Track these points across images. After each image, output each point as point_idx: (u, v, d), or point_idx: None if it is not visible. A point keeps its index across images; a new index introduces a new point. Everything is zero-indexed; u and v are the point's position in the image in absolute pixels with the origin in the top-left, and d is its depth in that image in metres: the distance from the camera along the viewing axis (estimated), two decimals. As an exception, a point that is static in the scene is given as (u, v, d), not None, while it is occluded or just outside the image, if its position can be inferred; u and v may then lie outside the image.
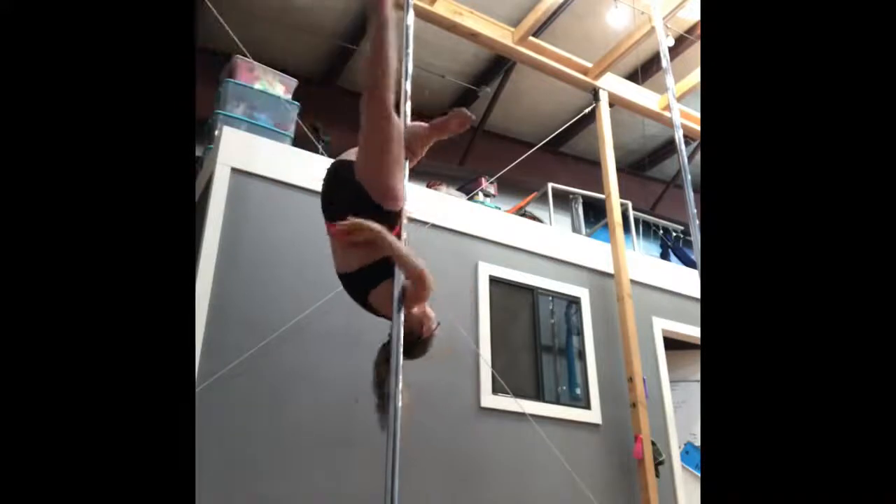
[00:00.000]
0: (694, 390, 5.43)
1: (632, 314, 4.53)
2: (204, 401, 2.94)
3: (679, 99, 5.00)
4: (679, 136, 3.47)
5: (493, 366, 4.00)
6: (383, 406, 1.91)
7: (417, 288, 1.94)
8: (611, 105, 5.43)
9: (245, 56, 4.06)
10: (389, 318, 2.02)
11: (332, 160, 2.21)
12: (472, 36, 4.90)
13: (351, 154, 2.11)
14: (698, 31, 5.73)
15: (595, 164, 5.82)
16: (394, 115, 1.96)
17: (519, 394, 4.02)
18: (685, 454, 5.15)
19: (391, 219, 2.02)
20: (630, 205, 6.00)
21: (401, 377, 1.93)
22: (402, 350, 1.93)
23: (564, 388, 4.45)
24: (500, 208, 5.42)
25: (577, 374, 4.51)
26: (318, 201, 3.86)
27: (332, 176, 2.10)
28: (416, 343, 2.04)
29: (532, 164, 5.55)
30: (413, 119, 2.35)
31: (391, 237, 1.93)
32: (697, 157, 7.59)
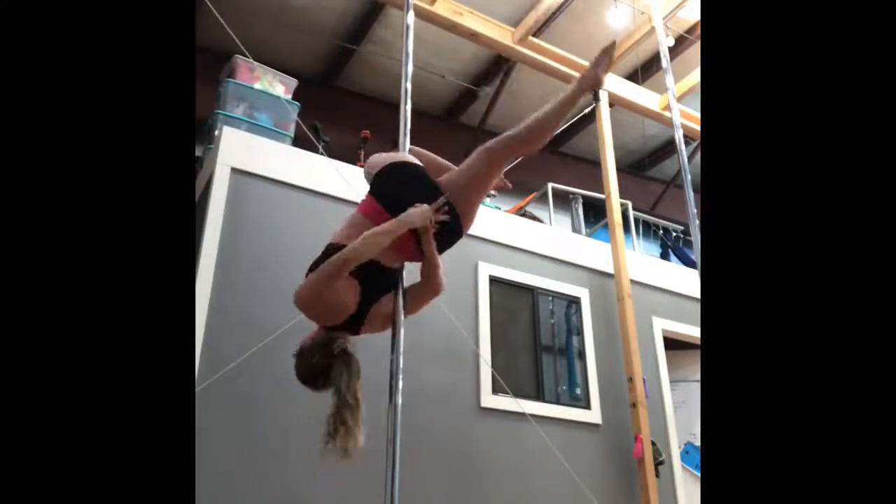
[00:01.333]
0: (694, 390, 5.42)
1: (632, 314, 4.53)
2: (204, 401, 2.94)
3: (679, 99, 5.00)
4: (679, 136, 3.47)
5: (493, 366, 4.00)
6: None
7: (425, 299, 2.03)
8: (611, 105, 5.43)
9: (245, 56, 4.06)
10: (368, 333, 2.00)
11: (332, 160, 2.21)
12: (472, 36, 4.91)
13: (423, 161, 2.14)
14: (698, 31, 5.73)
15: (595, 164, 5.82)
16: None
17: (519, 394, 4.02)
18: (685, 454, 5.15)
19: (454, 242, 2.09)
20: (630, 205, 5.99)
21: (400, 378, 1.93)
22: (401, 350, 1.93)
23: (564, 388, 4.45)
24: (500, 208, 5.42)
25: (577, 374, 4.51)
26: (317, 201, 3.86)
27: (416, 177, 2.05)
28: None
29: (532, 164, 5.54)
30: (413, 119, 2.35)
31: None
32: (697, 157, 7.59)
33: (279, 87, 4.29)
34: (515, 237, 4.61)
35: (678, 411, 4.99)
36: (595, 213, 6.18)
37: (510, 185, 2.23)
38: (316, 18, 6.24)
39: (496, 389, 3.96)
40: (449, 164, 2.14)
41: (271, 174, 3.75)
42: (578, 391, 4.45)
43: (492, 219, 4.64)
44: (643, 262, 5.31)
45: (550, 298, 4.61)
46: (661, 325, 5.04)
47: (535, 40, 5.14)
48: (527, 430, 3.92)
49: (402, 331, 2.01)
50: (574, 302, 4.68)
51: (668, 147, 7.90)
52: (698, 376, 5.14)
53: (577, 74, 5.24)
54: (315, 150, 4.03)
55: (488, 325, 4.14)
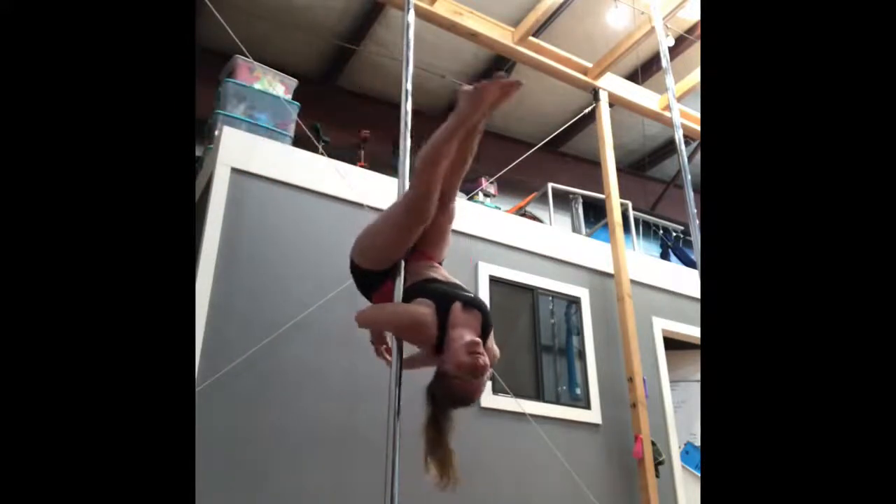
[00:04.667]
0: (694, 390, 5.42)
1: (632, 314, 4.53)
2: (204, 401, 2.94)
3: (679, 99, 5.00)
4: (679, 136, 3.47)
5: (493, 366, 3.99)
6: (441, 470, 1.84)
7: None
8: (611, 105, 5.43)
9: (245, 56, 4.06)
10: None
11: (332, 160, 2.22)
12: (472, 36, 4.90)
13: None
14: (698, 31, 5.73)
15: (595, 164, 5.82)
16: None
17: (519, 394, 4.02)
18: (685, 454, 5.15)
19: None
20: (630, 205, 5.99)
21: (401, 377, 1.93)
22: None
23: (564, 388, 4.45)
24: (500, 208, 5.42)
25: (577, 374, 4.51)
26: (317, 201, 3.86)
27: None
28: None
29: (532, 164, 5.55)
30: (413, 119, 2.33)
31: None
32: (697, 157, 7.58)
33: (279, 87, 4.29)
34: (515, 237, 4.61)
35: (678, 411, 4.99)
36: (595, 213, 6.18)
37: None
38: (316, 18, 6.24)
39: (496, 389, 3.96)
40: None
41: (271, 174, 3.75)
42: (578, 391, 4.45)
43: (492, 219, 4.64)
44: (643, 262, 5.31)
45: (550, 298, 4.61)
46: (661, 325, 5.04)
47: (535, 40, 5.14)
48: (527, 430, 3.92)
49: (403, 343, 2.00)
50: (574, 302, 4.68)
51: (668, 147, 7.90)
52: (698, 376, 5.14)
53: (577, 75, 5.29)
54: (315, 150, 4.03)
55: (488, 325, 4.14)
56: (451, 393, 1.83)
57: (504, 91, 1.85)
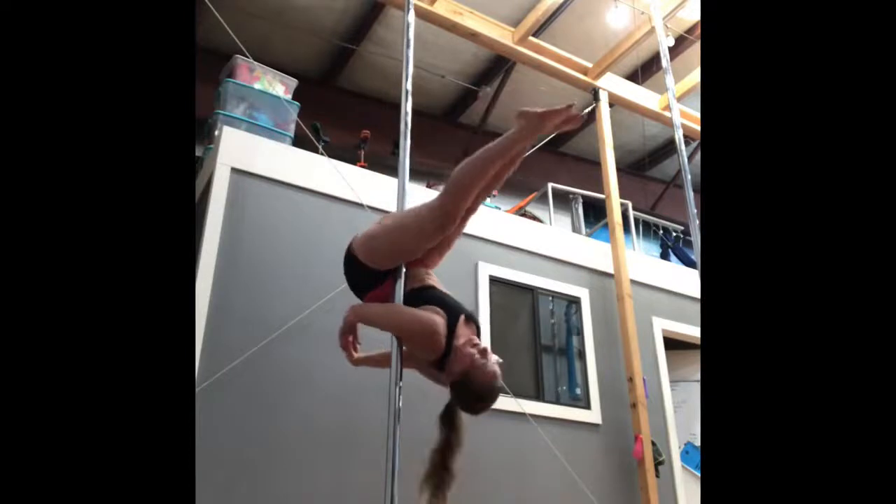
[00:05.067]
0: (694, 390, 5.43)
1: (632, 314, 4.53)
2: (204, 401, 2.94)
3: (679, 99, 5.00)
4: (679, 136, 3.47)
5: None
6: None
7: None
8: (611, 105, 5.43)
9: (245, 56, 4.07)
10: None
11: (332, 160, 2.20)
12: (472, 36, 4.90)
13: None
14: (698, 31, 5.73)
15: (595, 164, 5.82)
16: None
17: (519, 394, 4.02)
18: (685, 454, 5.15)
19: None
20: (630, 205, 6.00)
21: (401, 378, 1.93)
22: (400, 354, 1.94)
23: (564, 388, 4.45)
24: (500, 208, 5.42)
25: (577, 374, 4.51)
26: (317, 201, 3.86)
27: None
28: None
29: (532, 164, 5.54)
30: (413, 119, 2.33)
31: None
32: (697, 157, 7.59)
33: (279, 87, 4.29)
34: (515, 237, 4.61)
35: (678, 411, 4.99)
36: (595, 213, 6.18)
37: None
38: (316, 18, 6.24)
39: (496, 389, 3.96)
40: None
41: (271, 174, 3.75)
42: (578, 391, 4.45)
43: (492, 219, 4.64)
44: (643, 262, 5.31)
45: (550, 298, 4.61)
46: (661, 325, 5.04)
47: (535, 40, 5.14)
48: (527, 430, 3.92)
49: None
50: (574, 302, 4.68)
51: (668, 147, 7.91)
52: (698, 376, 5.14)
53: (577, 75, 5.29)
54: (315, 150, 4.03)
55: (488, 325, 4.14)
56: (475, 388, 1.88)
57: (567, 122, 1.83)
